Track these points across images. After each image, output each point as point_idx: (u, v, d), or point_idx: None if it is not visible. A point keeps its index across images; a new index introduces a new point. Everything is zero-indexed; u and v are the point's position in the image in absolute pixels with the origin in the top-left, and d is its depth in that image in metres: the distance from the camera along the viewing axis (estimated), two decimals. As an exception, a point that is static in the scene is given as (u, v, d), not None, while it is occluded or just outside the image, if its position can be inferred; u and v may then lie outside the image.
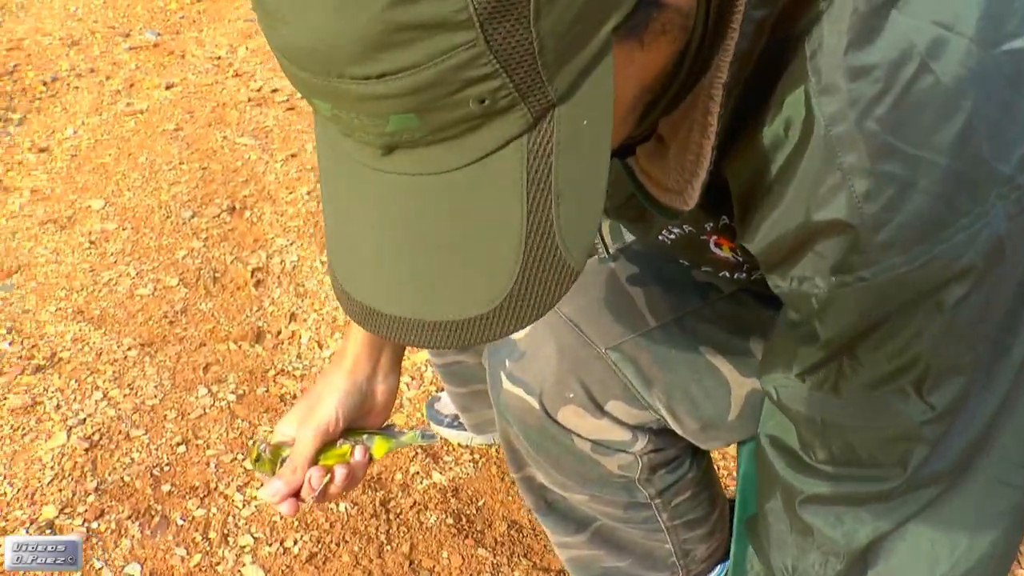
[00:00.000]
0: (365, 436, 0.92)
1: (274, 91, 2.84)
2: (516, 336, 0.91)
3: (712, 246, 0.75)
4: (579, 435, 0.91)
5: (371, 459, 0.91)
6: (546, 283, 0.50)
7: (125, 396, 1.67)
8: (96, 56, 3.13)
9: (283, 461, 0.89)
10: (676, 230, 0.76)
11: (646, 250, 0.93)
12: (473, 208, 0.49)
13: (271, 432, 1.59)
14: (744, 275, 0.85)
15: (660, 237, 0.79)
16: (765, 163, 0.58)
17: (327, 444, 0.89)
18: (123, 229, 2.18)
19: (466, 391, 1.41)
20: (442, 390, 1.62)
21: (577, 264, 0.50)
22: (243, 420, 1.63)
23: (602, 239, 0.87)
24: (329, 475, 0.88)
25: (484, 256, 0.50)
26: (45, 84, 2.92)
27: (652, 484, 0.97)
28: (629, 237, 0.97)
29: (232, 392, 1.69)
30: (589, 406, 0.89)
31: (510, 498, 1.49)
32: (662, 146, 0.63)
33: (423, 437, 0.95)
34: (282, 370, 1.75)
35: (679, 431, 0.92)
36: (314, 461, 0.88)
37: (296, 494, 0.88)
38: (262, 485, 0.89)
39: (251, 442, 1.58)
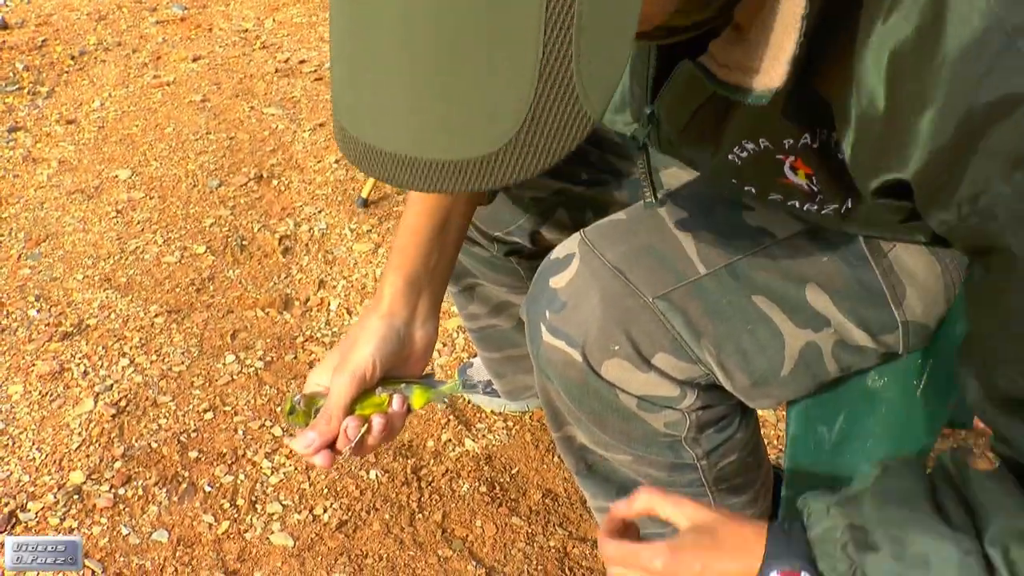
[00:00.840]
0: (403, 385, 0.86)
1: (301, 62, 2.81)
2: (557, 286, 0.86)
3: (787, 168, 0.69)
4: (624, 390, 0.86)
5: (409, 409, 0.86)
6: (558, 127, 0.45)
7: (152, 363, 1.65)
8: (123, 30, 3.11)
9: (317, 412, 0.84)
10: (750, 146, 0.69)
11: (696, 192, 0.88)
12: (485, 36, 0.44)
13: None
14: (815, 207, 0.77)
15: (730, 157, 0.71)
16: (889, 69, 0.51)
17: (364, 393, 0.84)
18: (150, 198, 2.15)
19: (500, 356, 1.36)
20: (475, 356, 1.57)
21: (594, 112, 0.45)
22: (271, 387, 1.60)
23: (651, 181, 0.81)
24: (366, 425, 0.83)
25: (492, 90, 0.45)
26: (73, 58, 2.91)
27: (699, 444, 0.92)
28: (677, 183, 0.92)
29: (260, 359, 1.66)
30: (635, 359, 0.84)
31: (544, 466, 1.44)
32: (740, 33, 0.58)
33: (464, 387, 0.90)
34: (311, 337, 1.72)
35: (729, 387, 0.87)
36: (350, 410, 0.83)
37: (331, 445, 0.83)
38: (295, 436, 0.84)
39: (276, 407, 1.55)
